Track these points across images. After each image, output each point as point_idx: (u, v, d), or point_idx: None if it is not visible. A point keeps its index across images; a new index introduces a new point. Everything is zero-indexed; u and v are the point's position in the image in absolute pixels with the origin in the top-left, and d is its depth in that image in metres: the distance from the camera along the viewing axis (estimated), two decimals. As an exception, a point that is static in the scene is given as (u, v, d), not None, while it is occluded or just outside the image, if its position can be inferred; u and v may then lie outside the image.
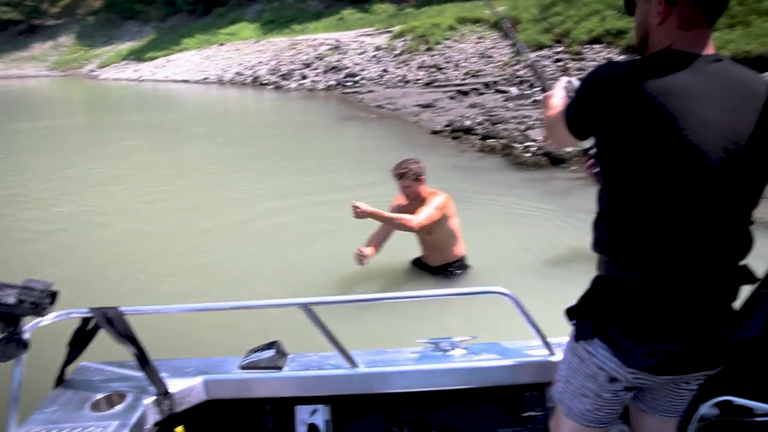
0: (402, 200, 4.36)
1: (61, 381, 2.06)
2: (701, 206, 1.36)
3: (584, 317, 1.53)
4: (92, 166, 10.33)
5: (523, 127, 10.65)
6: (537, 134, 9.90)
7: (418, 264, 4.63)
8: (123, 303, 1.97)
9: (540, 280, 4.37)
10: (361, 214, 3.93)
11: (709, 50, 1.39)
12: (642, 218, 1.40)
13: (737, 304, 1.56)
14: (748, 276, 1.49)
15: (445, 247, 4.38)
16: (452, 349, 2.18)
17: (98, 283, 5.05)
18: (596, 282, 1.53)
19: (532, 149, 8.97)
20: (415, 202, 4.22)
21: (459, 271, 4.45)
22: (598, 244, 1.51)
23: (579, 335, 1.56)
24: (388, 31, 24.97)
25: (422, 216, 4.04)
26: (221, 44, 34.20)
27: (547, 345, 2.10)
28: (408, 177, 4.11)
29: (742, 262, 1.49)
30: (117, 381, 2.06)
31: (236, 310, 2.30)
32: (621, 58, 14.25)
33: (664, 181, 1.35)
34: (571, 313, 1.58)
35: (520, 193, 6.96)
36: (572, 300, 1.61)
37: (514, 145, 9.43)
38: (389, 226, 4.26)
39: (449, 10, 24.53)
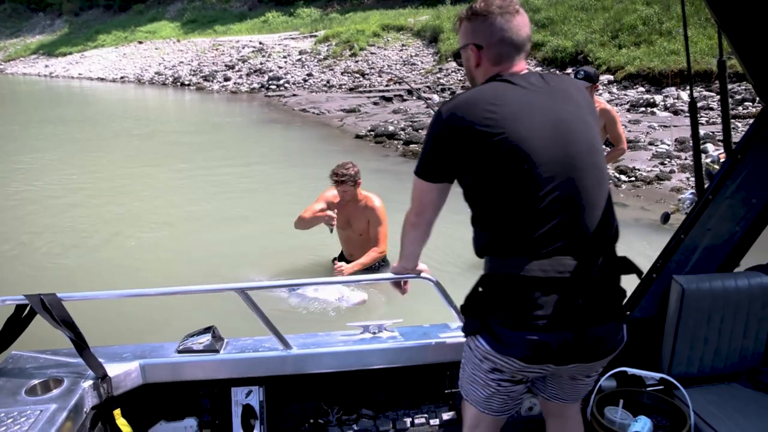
0: (331, 197, 4.46)
1: None
2: (553, 191, 1.55)
3: (471, 314, 1.67)
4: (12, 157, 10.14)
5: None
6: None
7: (344, 261, 4.70)
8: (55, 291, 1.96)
9: (460, 269, 4.58)
10: (347, 273, 4.20)
11: (523, 70, 1.68)
12: (501, 215, 1.59)
13: (630, 289, 1.75)
14: (627, 266, 1.67)
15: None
16: (380, 331, 2.32)
17: (27, 273, 5.06)
18: (481, 280, 1.66)
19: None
20: (350, 202, 4.39)
21: (384, 264, 4.60)
22: (479, 249, 1.69)
23: (466, 331, 1.71)
24: (313, 36, 24.94)
25: (383, 240, 4.42)
26: (140, 42, 33.02)
27: None
28: (348, 183, 4.24)
29: (619, 253, 1.67)
30: (52, 367, 2.05)
31: (173, 295, 2.34)
32: (538, 69, 14.84)
33: (514, 176, 1.55)
34: (462, 309, 1.73)
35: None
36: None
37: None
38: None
39: (374, 16, 24.80)
